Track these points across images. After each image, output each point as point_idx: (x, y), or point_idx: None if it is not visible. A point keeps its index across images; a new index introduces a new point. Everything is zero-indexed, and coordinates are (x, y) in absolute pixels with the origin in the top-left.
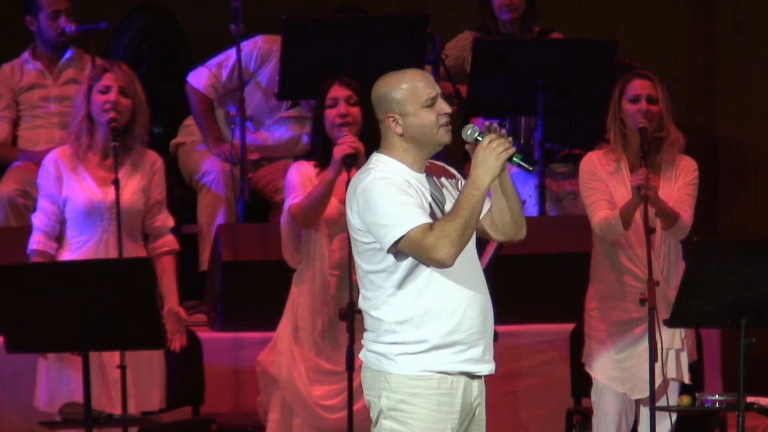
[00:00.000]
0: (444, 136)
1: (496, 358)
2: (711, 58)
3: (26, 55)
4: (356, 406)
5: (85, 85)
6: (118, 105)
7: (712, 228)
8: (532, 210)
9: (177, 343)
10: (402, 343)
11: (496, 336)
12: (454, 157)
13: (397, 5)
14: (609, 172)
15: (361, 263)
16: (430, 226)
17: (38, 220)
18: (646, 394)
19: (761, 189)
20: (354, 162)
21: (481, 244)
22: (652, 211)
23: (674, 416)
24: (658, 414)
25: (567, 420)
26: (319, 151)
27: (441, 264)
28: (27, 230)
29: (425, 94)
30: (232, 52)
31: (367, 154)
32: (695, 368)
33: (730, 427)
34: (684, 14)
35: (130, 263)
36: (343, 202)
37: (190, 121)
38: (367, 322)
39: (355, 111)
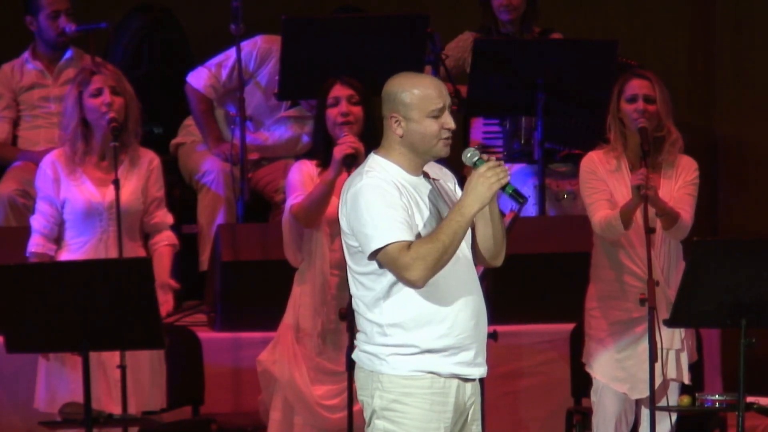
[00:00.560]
0: (441, 150)
1: (497, 358)
2: (711, 58)
3: (26, 55)
4: (356, 407)
5: (75, 91)
6: (114, 105)
7: (712, 228)
8: (532, 210)
9: (163, 309)
10: (393, 345)
11: (496, 336)
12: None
13: (397, 5)
14: (609, 172)
15: (352, 264)
16: (409, 245)
17: (37, 222)
18: (646, 394)
19: (761, 189)
20: (354, 162)
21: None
22: (652, 210)
23: (674, 416)
24: (658, 414)
25: (567, 420)
26: (321, 150)
27: (411, 284)
28: (27, 230)
29: (433, 104)
30: (231, 52)
31: (368, 154)
32: (695, 368)
33: (730, 427)
34: (684, 14)
35: (130, 263)
36: None
37: (190, 121)
38: (360, 323)
39: (357, 110)
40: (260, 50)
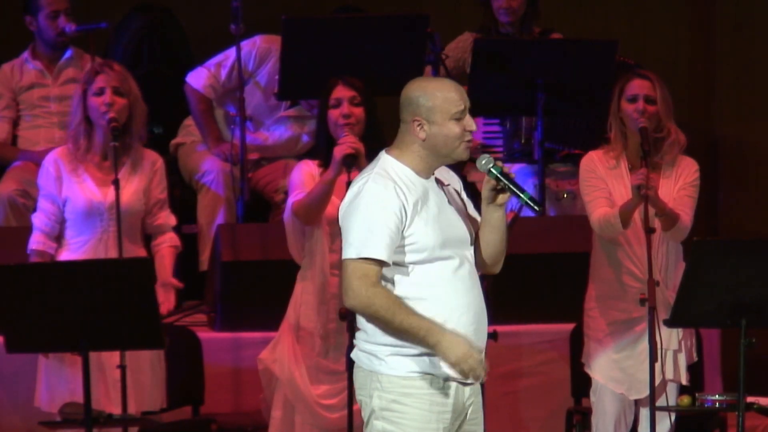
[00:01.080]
0: (463, 153)
1: (497, 358)
2: (711, 58)
3: (26, 54)
4: (356, 406)
5: (80, 89)
6: (114, 105)
7: (712, 228)
8: (531, 211)
9: (164, 308)
10: (392, 345)
11: (496, 336)
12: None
13: (397, 5)
14: (609, 171)
15: None
16: (378, 270)
17: (38, 220)
18: (644, 394)
19: (761, 189)
20: (354, 162)
21: None
22: (652, 210)
23: (674, 416)
24: (657, 414)
25: (567, 420)
26: (323, 150)
27: (343, 299)
28: (27, 230)
29: (456, 106)
30: (230, 52)
31: (368, 154)
32: (695, 368)
33: (730, 427)
34: (684, 14)
35: (130, 263)
36: None
37: (190, 121)
38: (360, 322)
39: (359, 111)
40: (259, 50)
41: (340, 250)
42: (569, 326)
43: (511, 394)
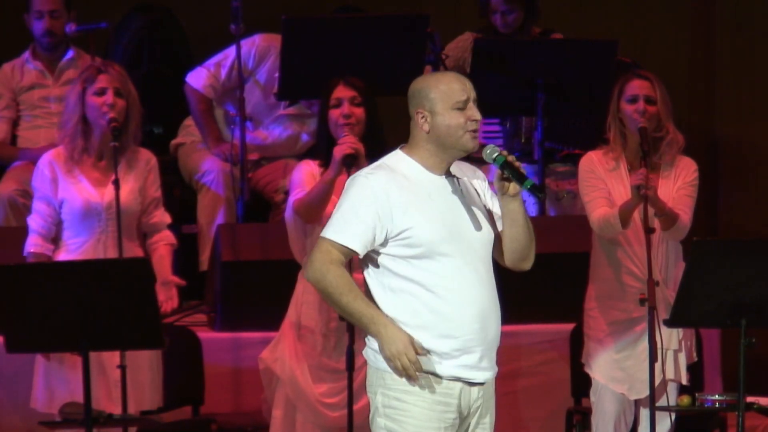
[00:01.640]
0: (469, 142)
1: (497, 358)
2: (711, 58)
3: (26, 54)
4: (357, 406)
5: (79, 87)
6: (115, 106)
7: (712, 228)
8: (532, 210)
9: (168, 306)
10: None
11: None
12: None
13: (397, 5)
14: (608, 171)
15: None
16: (342, 255)
17: (34, 222)
18: (645, 394)
19: (761, 189)
20: (354, 162)
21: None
22: (651, 210)
23: (674, 416)
24: (657, 414)
25: (567, 420)
26: (323, 150)
27: (304, 271)
28: (27, 230)
29: (457, 96)
30: (230, 51)
31: (369, 154)
32: (695, 368)
33: (730, 427)
34: (684, 14)
35: (130, 263)
36: None
37: (190, 122)
38: None
39: (359, 112)
40: (259, 48)
41: None
42: (569, 326)
43: (510, 394)
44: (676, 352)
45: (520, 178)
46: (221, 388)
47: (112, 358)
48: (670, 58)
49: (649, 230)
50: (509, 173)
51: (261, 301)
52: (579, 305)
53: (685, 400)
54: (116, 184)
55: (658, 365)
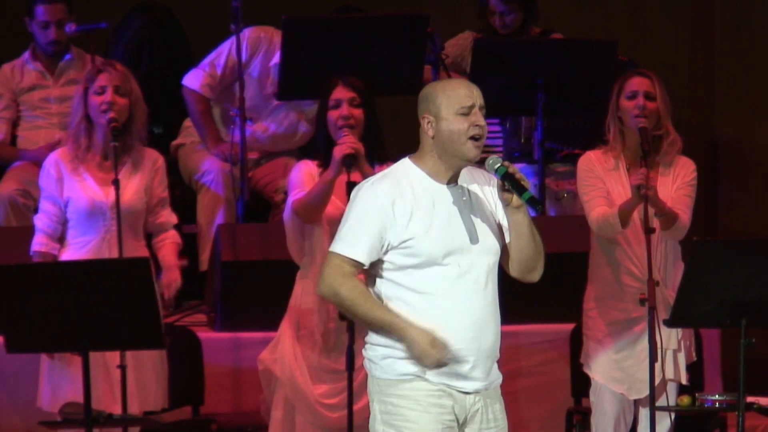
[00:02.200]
0: (470, 151)
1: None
2: (711, 58)
3: (26, 55)
4: (356, 406)
5: (82, 87)
6: (115, 105)
7: (712, 228)
8: (532, 210)
9: (171, 290)
10: (386, 347)
11: None
12: None
13: (397, 5)
14: (607, 171)
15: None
16: (352, 268)
17: (40, 221)
18: (644, 394)
19: (761, 189)
20: (353, 162)
21: None
22: (651, 210)
23: (674, 416)
24: (657, 414)
25: (567, 420)
26: (322, 150)
27: (316, 288)
28: (28, 230)
29: (462, 101)
30: (222, 48)
31: (368, 155)
32: (695, 368)
33: (730, 427)
34: (684, 14)
35: (130, 263)
36: (344, 201)
37: (190, 123)
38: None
39: (358, 113)
40: (249, 40)
41: None
42: (569, 326)
43: (510, 394)
44: (675, 352)
45: (520, 190)
46: (221, 388)
47: (116, 358)
48: (669, 58)
49: (649, 230)
50: (509, 184)
51: (261, 301)
52: (579, 305)
53: (685, 400)
54: (116, 184)
55: (657, 365)
